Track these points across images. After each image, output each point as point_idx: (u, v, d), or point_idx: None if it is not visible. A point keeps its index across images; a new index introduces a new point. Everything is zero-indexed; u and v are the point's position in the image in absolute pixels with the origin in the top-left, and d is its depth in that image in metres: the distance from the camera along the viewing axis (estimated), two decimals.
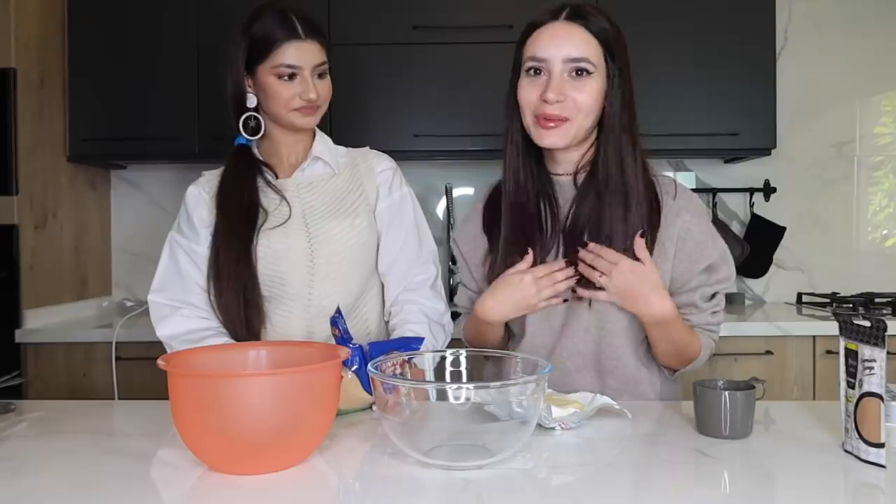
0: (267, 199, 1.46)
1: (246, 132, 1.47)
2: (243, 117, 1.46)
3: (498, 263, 1.31)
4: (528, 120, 1.24)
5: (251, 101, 1.45)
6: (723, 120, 2.56)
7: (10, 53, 2.32)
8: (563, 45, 1.18)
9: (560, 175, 1.31)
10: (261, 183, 1.47)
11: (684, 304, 1.31)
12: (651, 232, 1.25)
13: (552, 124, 1.20)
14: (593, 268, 1.22)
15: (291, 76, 1.41)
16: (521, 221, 1.29)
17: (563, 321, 1.34)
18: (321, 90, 1.44)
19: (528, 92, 1.22)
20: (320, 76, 1.44)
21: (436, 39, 2.56)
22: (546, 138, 1.22)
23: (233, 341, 1.44)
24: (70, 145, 2.59)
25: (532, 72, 1.22)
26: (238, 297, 1.41)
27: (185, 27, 2.56)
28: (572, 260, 1.25)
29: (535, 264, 1.27)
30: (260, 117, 1.47)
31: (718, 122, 2.56)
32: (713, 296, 1.34)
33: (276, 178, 1.49)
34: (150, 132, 2.58)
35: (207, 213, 1.47)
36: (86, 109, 2.58)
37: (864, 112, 2.92)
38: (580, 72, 1.19)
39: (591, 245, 1.20)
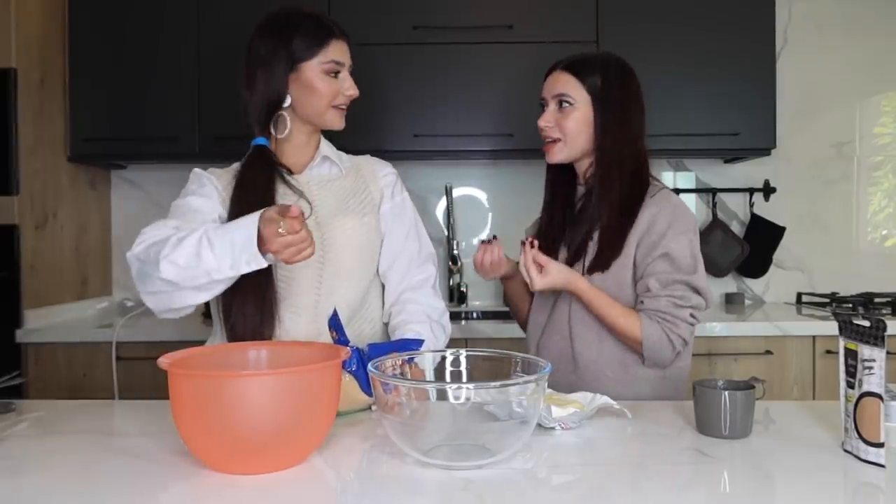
0: (283, 198, 1.46)
1: (274, 130, 1.48)
2: (276, 115, 1.46)
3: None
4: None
5: (287, 100, 1.46)
6: (723, 120, 2.56)
7: (11, 53, 2.32)
8: (552, 86, 1.53)
9: (582, 184, 1.59)
10: (278, 182, 1.47)
11: (643, 290, 1.46)
12: (622, 232, 1.48)
13: (549, 147, 1.54)
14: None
15: (336, 73, 1.46)
16: (549, 219, 1.63)
17: (546, 319, 1.58)
18: (356, 89, 1.50)
19: (539, 122, 1.56)
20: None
21: (436, 39, 2.56)
22: (547, 157, 1.55)
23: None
24: (70, 145, 2.59)
25: (540, 107, 1.56)
26: (255, 303, 1.39)
27: (185, 27, 2.57)
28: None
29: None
30: (287, 115, 1.48)
31: (718, 122, 2.56)
32: (680, 288, 1.42)
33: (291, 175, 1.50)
34: (150, 132, 2.58)
35: (220, 200, 1.46)
36: (86, 109, 2.58)
37: (863, 112, 2.92)
38: (563, 104, 1.51)
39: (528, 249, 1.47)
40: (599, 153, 1.50)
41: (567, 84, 1.50)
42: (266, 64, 1.44)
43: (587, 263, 1.49)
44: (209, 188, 1.48)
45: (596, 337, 1.49)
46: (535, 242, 1.44)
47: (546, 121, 1.52)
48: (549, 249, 1.56)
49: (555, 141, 1.51)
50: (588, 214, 1.52)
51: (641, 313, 1.44)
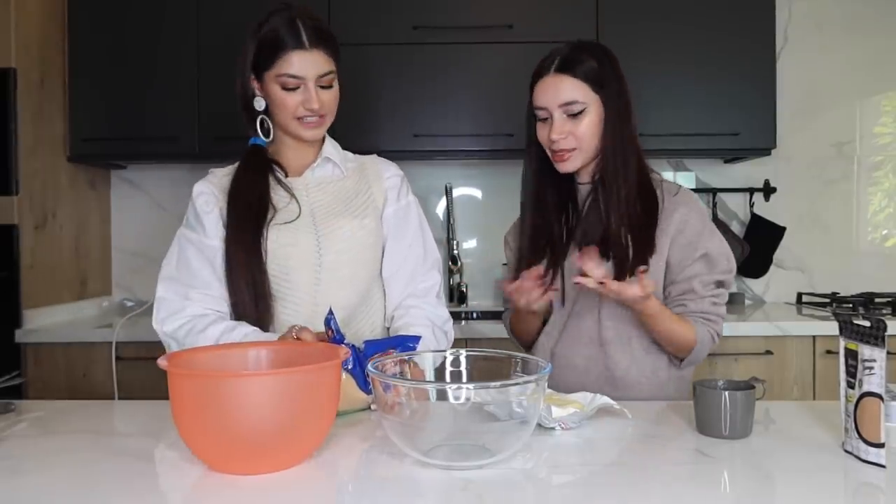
0: (277, 196, 1.46)
1: (261, 133, 1.47)
2: (259, 119, 1.46)
3: (520, 264, 1.52)
4: (549, 154, 1.47)
5: (259, 103, 1.45)
6: (723, 120, 2.56)
7: (11, 53, 2.32)
8: (554, 93, 1.42)
9: (583, 183, 1.51)
10: (272, 181, 1.47)
11: (684, 291, 1.43)
12: (648, 229, 1.43)
13: (564, 156, 1.44)
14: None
15: (295, 87, 1.40)
16: (540, 226, 1.51)
17: (560, 329, 1.51)
18: (325, 100, 1.42)
19: (542, 135, 1.46)
20: (324, 87, 1.42)
21: (436, 39, 2.56)
22: (562, 167, 1.46)
23: (231, 322, 1.41)
24: (70, 145, 2.59)
25: (533, 117, 1.47)
26: (250, 291, 1.41)
27: (185, 27, 2.57)
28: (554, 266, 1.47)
29: (551, 266, 1.48)
30: (269, 121, 1.47)
31: (718, 122, 2.56)
32: (716, 286, 1.44)
33: (287, 177, 1.50)
34: (149, 132, 2.58)
35: (216, 207, 1.46)
36: (86, 109, 2.58)
37: (864, 112, 2.92)
38: (574, 111, 1.41)
39: (587, 255, 1.33)
40: (613, 146, 1.42)
41: (573, 89, 1.40)
42: (241, 68, 1.44)
43: (616, 264, 1.40)
44: (204, 213, 1.46)
45: (627, 345, 1.45)
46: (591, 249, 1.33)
47: (559, 132, 1.41)
48: (555, 254, 1.47)
49: (570, 151, 1.43)
50: (601, 213, 1.44)
51: (689, 317, 1.42)
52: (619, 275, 1.38)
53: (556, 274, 1.47)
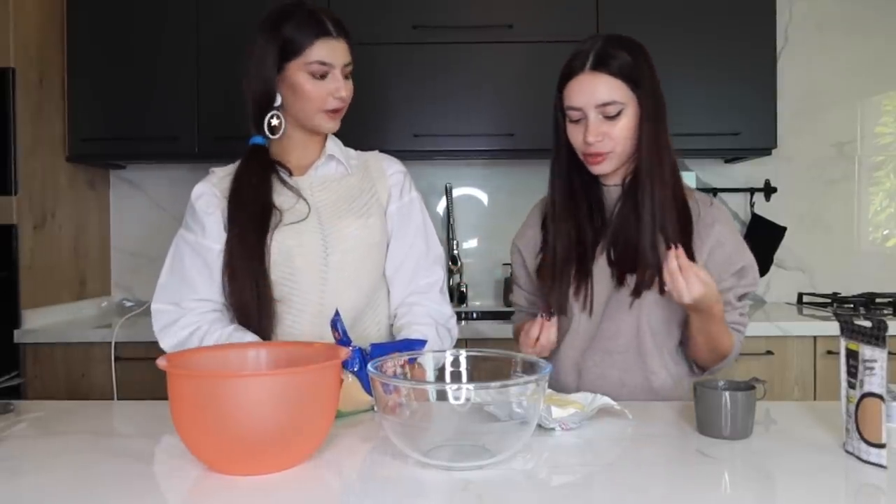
0: (282, 197, 1.45)
1: (267, 131, 1.45)
2: (268, 116, 1.44)
3: (548, 263, 1.47)
4: (580, 156, 1.42)
5: (277, 99, 1.44)
6: (723, 120, 2.56)
7: (10, 53, 2.32)
8: (591, 93, 1.35)
9: (610, 185, 1.46)
10: (275, 182, 1.46)
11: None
12: (684, 237, 1.37)
13: (598, 158, 1.38)
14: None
15: (323, 75, 1.40)
16: (573, 233, 1.44)
17: (588, 340, 1.44)
18: (350, 89, 1.44)
19: (574, 136, 1.40)
20: (346, 77, 1.44)
21: (436, 39, 2.55)
22: (595, 169, 1.41)
23: (230, 328, 1.41)
24: (69, 145, 2.59)
25: (562, 114, 1.41)
26: (252, 295, 1.40)
27: (185, 27, 2.56)
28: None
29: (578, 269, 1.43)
30: (282, 116, 1.45)
31: (719, 122, 2.56)
32: (741, 298, 1.44)
33: (291, 176, 1.49)
34: (149, 132, 2.58)
35: (218, 209, 1.45)
36: (85, 109, 2.58)
37: (864, 112, 2.92)
38: (612, 112, 1.35)
39: (673, 254, 1.26)
40: (648, 148, 1.36)
41: (610, 89, 1.34)
42: (257, 62, 1.42)
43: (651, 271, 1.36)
44: (205, 214, 1.45)
45: (661, 354, 1.42)
46: (680, 247, 1.26)
47: (595, 135, 1.35)
48: (585, 261, 1.42)
49: (605, 153, 1.37)
50: (633, 218, 1.38)
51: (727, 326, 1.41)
52: (654, 282, 1.37)
53: (586, 281, 1.42)
